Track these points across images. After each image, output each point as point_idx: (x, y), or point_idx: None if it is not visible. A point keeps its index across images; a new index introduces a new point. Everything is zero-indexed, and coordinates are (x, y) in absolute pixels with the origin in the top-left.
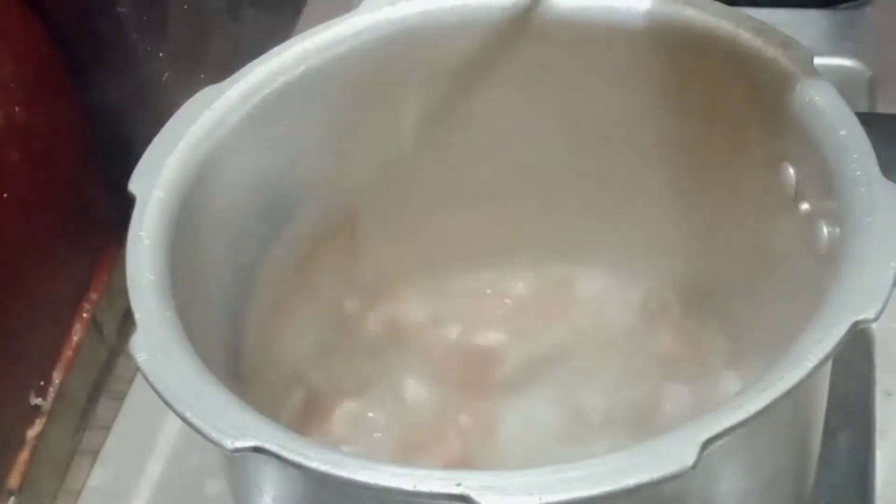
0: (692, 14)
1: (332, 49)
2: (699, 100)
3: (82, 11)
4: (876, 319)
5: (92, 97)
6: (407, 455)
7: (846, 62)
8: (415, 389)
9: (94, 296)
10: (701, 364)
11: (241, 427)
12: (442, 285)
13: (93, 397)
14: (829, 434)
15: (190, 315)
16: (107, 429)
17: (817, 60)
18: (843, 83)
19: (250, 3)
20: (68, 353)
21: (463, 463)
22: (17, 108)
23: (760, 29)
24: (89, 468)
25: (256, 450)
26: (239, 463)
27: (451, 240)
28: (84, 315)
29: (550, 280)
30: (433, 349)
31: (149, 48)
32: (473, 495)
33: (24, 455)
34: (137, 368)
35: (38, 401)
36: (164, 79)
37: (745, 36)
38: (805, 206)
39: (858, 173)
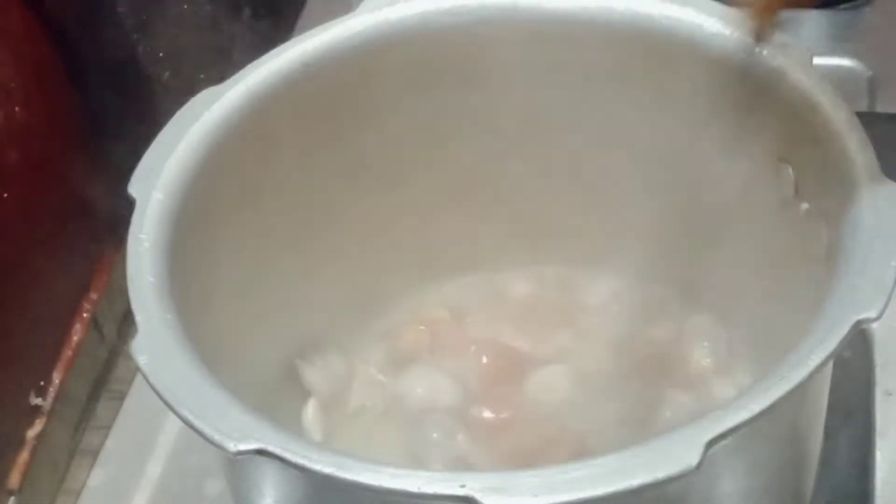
0: (691, 14)
1: (332, 50)
2: (697, 100)
3: (83, 11)
4: (878, 318)
5: (92, 97)
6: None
7: (846, 62)
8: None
9: (94, 296)
10: (702, 364)
11: (243, 429)
12: (440, 287)
13: (92, 397)
14: (829, 434)
15: (191, 317)
16: (106, 429)
17: (817, 60)
18: (842, 83)
19: (250, 4)
20: (68, 353)
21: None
22: (16, 108)
23: None
24: (89, 468)
25: (260, 452)
26: (240, 465)
27: (451, 240)
28: (84, 315)
29: (547, 281)
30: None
31: (149, 48)
32: (477, 496)
33: (24, 455)
34: (138, 370)
35: (38, 401)
36: (164, 78)
37: (744, 36)
38: (805, 206)
39: (858, 172)
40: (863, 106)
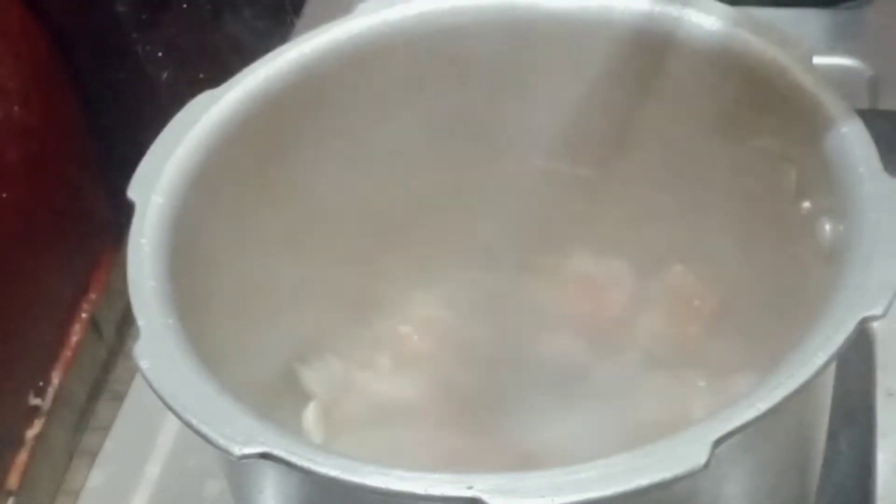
0: (690, 13)
1: (330, 52)
2: (698, 99)
3: (81, 11)
4: (884, 315)
5: (90, 97)
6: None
7: (847, 61)
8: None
9: (93, 296)
10: (705, 364)
11: (247, 433)
12: (440, 288)
13: (92, 398)
14: (830, 435)
15: (191, 321)
16: (106, 429)
17: (818, 59)
18: (843, 82)
19: (249, 6)
20: (67, 353)
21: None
22: (15, 108)
23: (760, 28)
24: (88, 469)
25: (264, 456)
26: (243, 468)
27: (452, 240)
28: (83, 315)
29: (547, 281)
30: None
31: (148, 48)
32: (485, 498)
33: (23, 455)
34: (140, 373)
35: (37, 401)
36: (163, 78)
37: (744, 35)
38: (807, 204)
39: (861, 170)
40: (864, 105)
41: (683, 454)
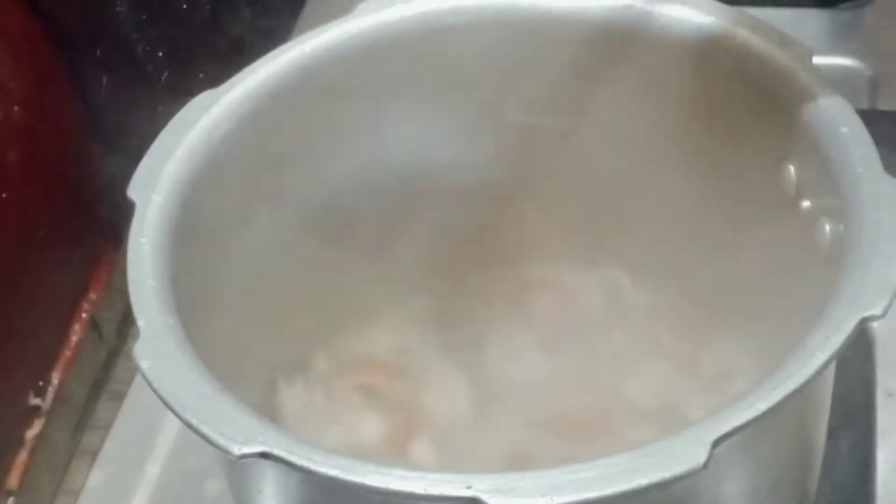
0: (690, 13)
1: (330, 52)
2: (698, 99)
3: (82, 11)
4: (883, 315)
5: (91, 97)
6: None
7: (846, 62)
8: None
9: (93, 296)
10: (707, 364)
11: (247, 433)
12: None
13: (92, 398)
14: (830, 434)
15: (192, 320)
16: (106, 429)
17: (817, 60)
18: (843, 83)
19: (249, 6)
20: (67, 353)
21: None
22: (15, 108)
23: (759, 28)
24: (88, 469)
25: (264, 455)
26: (243, 467)
27: (447, 241)
28: (83, 315)
29: (553, 283)
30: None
31: (148, 48)
32: (484, 497)
33: (23, 455)
34: (140, 373)
35: (37, 401)
36: (163, 78)
37: (744, 35)
38: (807, 204)
39: (860, 170)
40: (863, 105)
41: (683, 454)
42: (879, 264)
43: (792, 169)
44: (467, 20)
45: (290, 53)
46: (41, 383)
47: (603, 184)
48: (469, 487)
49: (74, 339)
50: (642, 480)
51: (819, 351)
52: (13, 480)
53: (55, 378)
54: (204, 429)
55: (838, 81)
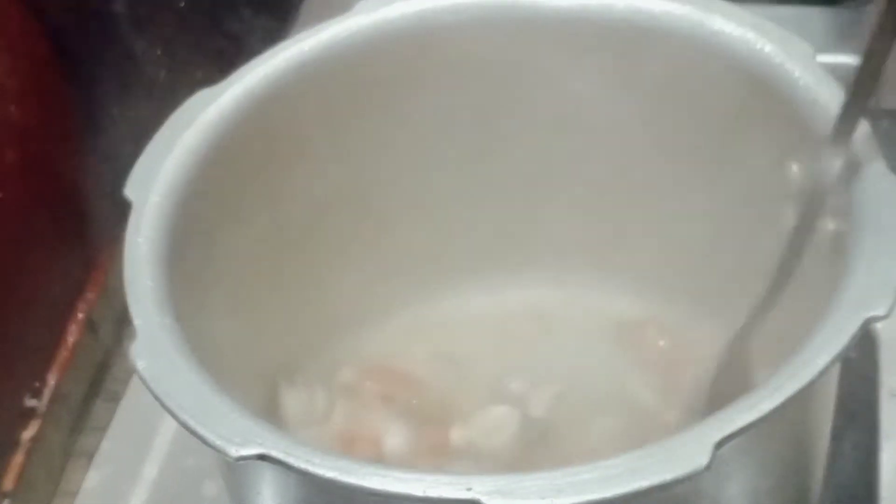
0: (692, 12)
1: (329, 50)
2: (701, 99)
3: (79, 10)
4: (887, 315)
5: (88, 96)
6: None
7: (849, 60)
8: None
9: (89, 296)
10: (709, 365)
11: (245, 434)
12: (440, 297)
13: (88, 398)
14: (834, 435)
15: (189, 320)
16: (102, 430)
17: (820, 58)
18: (846, 81)
19: (247, 4)
20: (64, 353)
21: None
22: (12, 107)
23: (762, 26)
24: (85, 470)
25: (262, 457)
26: (240, 469)
27: (449, 239)
28: (79, 315)
29: (548, 285)
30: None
31: (146, 47)
32: (484, 499)
33: (19, 457)
34: (137, 374)
35: (34, 402)
36: (161, 77)
37: (747, 33)
38: (810, 203)
39: (864, 169)
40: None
41: (685, 455)
42: (883, 264)
43: (795, 168)
44: (467, 18)
45: (288, 52)
46: (37, 384)
47: (603, 183)
48: (469, 489)
49: (71, 339)
50: (644, 482)
51: (823, 352)
52: (9, 482)
53: (51, 379)
54: (201, 430)
55: (841, 80)
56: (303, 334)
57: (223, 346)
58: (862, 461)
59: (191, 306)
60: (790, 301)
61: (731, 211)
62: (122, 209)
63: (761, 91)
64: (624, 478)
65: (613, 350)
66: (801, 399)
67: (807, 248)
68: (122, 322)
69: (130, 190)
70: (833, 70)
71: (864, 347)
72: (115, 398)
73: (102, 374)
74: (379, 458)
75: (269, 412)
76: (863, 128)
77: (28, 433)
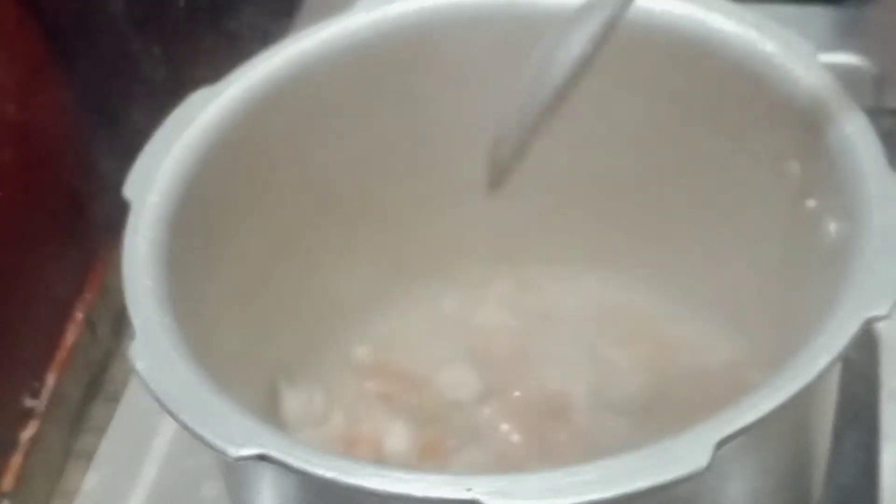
0: (693, 11)
1: (329, 49)
2: (702, 98)
3: (78, 9)
4: (888, 315)
5: (87, 96)
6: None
7: (852, 59)
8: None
9: (88, 296)
10: (711, 365)
11: (244, 434)
12: (440, 295)
13: (87, 399)
14: (835, 436)
15: (188, 320)
16: (101, 430)
17: (822, 57)
18: (848, 80)
19: (247, 3)
20: (62, 354)
21: None
22: (11, 106)
23: (763, 25)
24: (84, 471)
25: (261, 457)
26: (240, 469)
27: (450, 239)
28: (78, 315)
29: (549, 283)
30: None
31: (145, 46)
32: (484, 500)
33: (18, 458)
34: (136, 374)
35: (32, 403)
36: (160, 76)
37: (748, 32)
38: (812, 203)
39: (866, 168)
40: (869, 102)
41: (685, 455)
42: (885, 264)
43: (797, 168)
44: (466, 17)
45: (287, 51)
46: (36, 384)
47: (603, 183)
48: (469, 490)
49: (70, 339)
50: (644, 482)
51: (824, 352)
52: (8, 482)
53: (50, 379)
54: (200, 430)
55: (843, 79)
56: (302, 334)
57: (223, 346)
58: (862, 461)
59: (190, 306)
60: (790, 301)
61: (731, 208)
62: (120, 209)
63: (762, 90)
64: (624, 478)
65: (613, 347)
66: (802, 399)
67: (808, 247)
68: (121, 322)
69: (129, 189)
70: (834, 69)
71: (864, 348)
72: (114, 398)
73: (101, 375)
74: (379, 459)
75: (269, 412)
76: (864, 126)
77: (27, 433)
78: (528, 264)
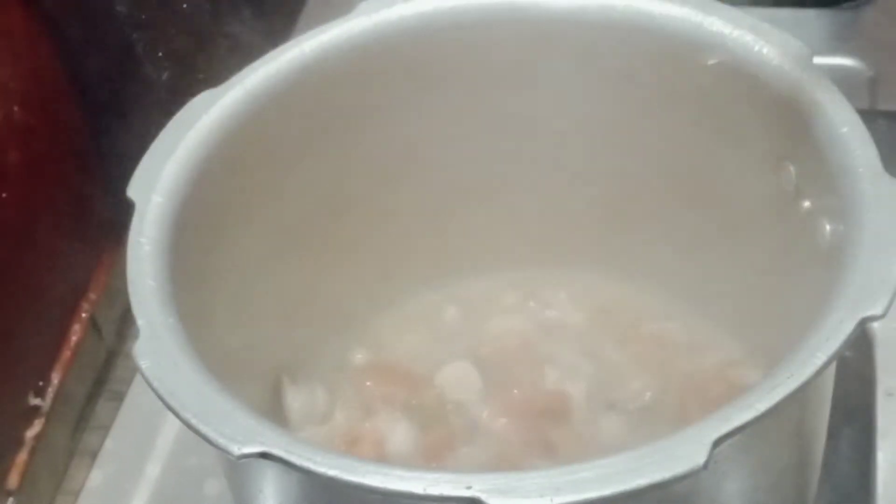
0: (691, 13)
1: (330, 52)
2: (698, 100)
3: (82, 11)
4: (883, 315)
5: (91, 97)
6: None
7: (847, 62)
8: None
9: (92, 296)
10: (708, 365)
11: (247, 433)
12: (441, 294)
13: (91, 398)
14: (830, 435)
15: (192, 320)
16: (105, 429)
17: (818, 59)
18: (843, 82)
19: (249, 5)
20: (67, 353)
21: None
22: (15, 108)
23: (759, 28)
24: (88, 469)
25: (264, 455)
26: (243, 467)
27: (448, 239)
28: (83, 315)
29: (548, 283)
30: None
31: (148, 48)
32: (483, 497)
33: (23, 456)
34: (140, 373)
35: (37, 401)
36: (163, 78)
37: (744, 35)
38: (807, 204)
39: (861, 170)
40: (864, 105)
41: (682, 454)
42: (880, 264)
43: (792, 169)
44: (467, 20)
45: (289, 53)
46: (41, 383)
47: (602, 183)
48: (469, 487)
49: (74, 339)
50: (642, 481)
51: (819, 351)
52: (13, 480)
53: (55, 378)
54: (204, 429)
55: (838, 81)
56: (304, 333)
57: (226, 345)
58: (858, 460)
59: (193, 306)
60: (786, 301)
61: (727, 209)
62: (124, 210)
63: (759, 92)
64: (622, 476)
65: (612, 347)
66: (798, 398)
67: (803, 247)
68: (126, 322)
69: (133, 191)
70: (829, 71)
71: (860, 347)
72: (119, 397)
73: (106, 374)
74: (381, 458)
75: (272, 411)
76: (859, 128)
77: (32, 432)
78: (528, 265)
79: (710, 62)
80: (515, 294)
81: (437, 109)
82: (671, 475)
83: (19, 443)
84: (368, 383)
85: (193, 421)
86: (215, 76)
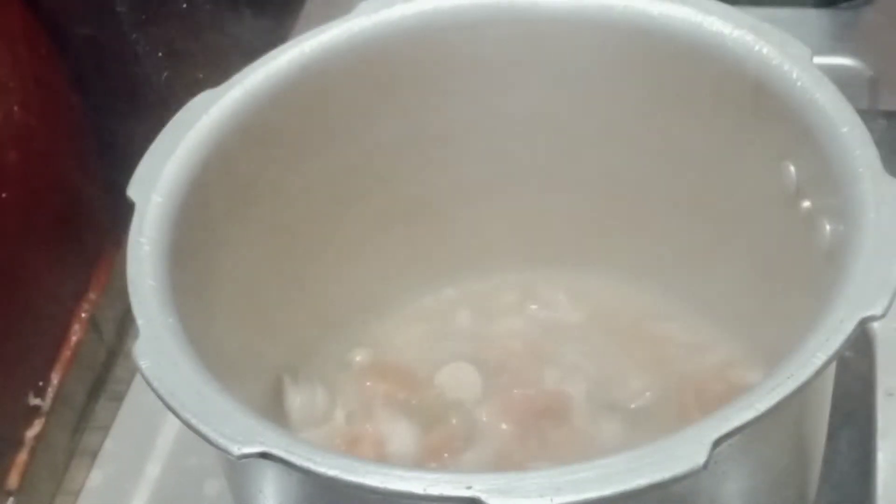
0: (690, 13)
1: (330, 52)
2: (699, 99)
3: (81, 11)
4: (883, 315)
5: (90, 97)
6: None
7: (846, 62)
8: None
9: (92, 296)
10: (708, 365)
11: (247, 433)
12: (442, 293)
13: (91, 398)
14: (830, 435)
15: (192, 320)
16: (105, 429)
17: (817, 60)
18: (843, 82)
19: (249, 5)
20: (67, 353)
21: None
22: (15, 108)
23: (759, 28)
24: (88, 469)
25: (264, 455)
26: (243, 467)
27: (449, 239)
28: (83, 315)
29: (548, 283)
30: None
31: (147, 48)
32: (483, 497)
33: (23, 456)
34: (141, 374)
35: (37, 401)
36: (162, 78)
37: (744, 35)
38: (807, 204)
39: (861, 170)
40: (864, 105)
41: (682, 454)
42: (879, 264)
43: (792, 169)
44: (467, 19)
45: (289, 53)
46: (41, 383)
47: (602, 183)
48: (469, 487)
49: (74, 339)
50: (642, 480)
51: (819, 351)
52: (13, 480)
53: (55, 378)
54: (204, 428)
55: (838, 81)
56: (305, 333)
57: (226, 346)
58: (858, 460)
59: (193, 306)
60: (786, 301)
61: (727, 209)
62: (124, 210)
63: (759, 92)
64: (622, 476)
65: (612, 347)
66: (798, 398)
67: (803, 247)
68: (125, 322)
69: (133, 190)
70: (829, 71)
71: (860, 347)
72: (118, 397)
73: (105, 374)
74: (381, 458)
75: (272, 411)
76: (859, 128)
77: (32, 432)
78: (528, 265)
79: (710, 62)
80: (516, 294)
81: (437, 109)
82: (671, 475)
83: (19, 443)
84: (369, 383)
85: (193, 421)
86: (215, 76)
